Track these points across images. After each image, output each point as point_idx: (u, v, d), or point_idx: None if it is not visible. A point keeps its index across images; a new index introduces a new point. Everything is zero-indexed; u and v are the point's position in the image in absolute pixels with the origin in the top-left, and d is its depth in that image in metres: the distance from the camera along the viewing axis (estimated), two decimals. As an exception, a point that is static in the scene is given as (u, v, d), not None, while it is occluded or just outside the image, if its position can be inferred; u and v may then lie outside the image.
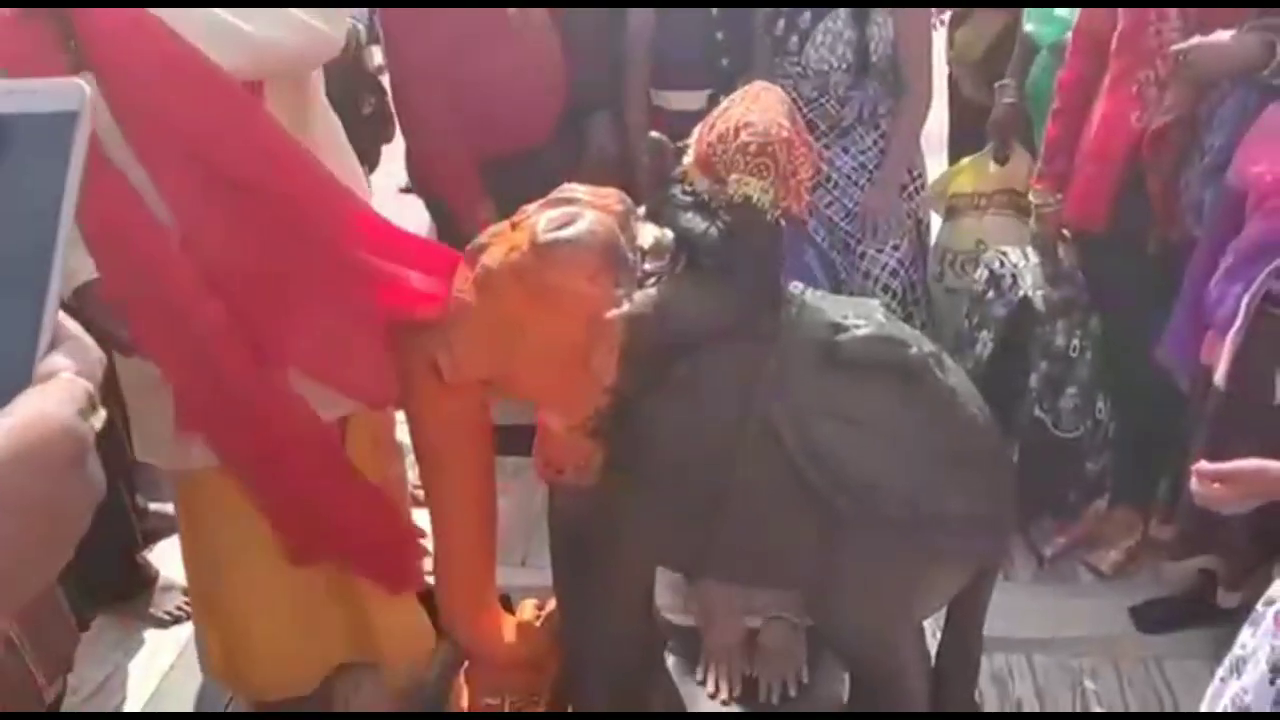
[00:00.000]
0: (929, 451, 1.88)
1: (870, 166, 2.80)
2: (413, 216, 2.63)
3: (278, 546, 2.09)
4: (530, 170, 2.73)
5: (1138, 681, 2.46)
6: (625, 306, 1.80)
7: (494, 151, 2.81)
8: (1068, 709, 2.39)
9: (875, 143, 2.82)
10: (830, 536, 1.88)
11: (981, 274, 2.77)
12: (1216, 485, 1.56)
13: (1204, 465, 1.58)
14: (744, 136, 1.73)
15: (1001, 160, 3.11)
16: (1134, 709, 2.39)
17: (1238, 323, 2.16)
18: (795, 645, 2.49)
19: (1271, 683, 1.61)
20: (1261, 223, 2.15)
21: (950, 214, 3.18)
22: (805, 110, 2.82)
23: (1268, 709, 1.62)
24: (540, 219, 1.84)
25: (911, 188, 2.88)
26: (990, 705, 2.38)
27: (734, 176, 1.74)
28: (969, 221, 3.13)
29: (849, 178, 2.81)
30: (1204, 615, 2.56)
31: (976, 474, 1.91)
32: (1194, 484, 1.58)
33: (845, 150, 2.81)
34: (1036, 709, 2.39)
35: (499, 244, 1.90)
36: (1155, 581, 2.71)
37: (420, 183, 3.04)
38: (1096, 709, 2.39)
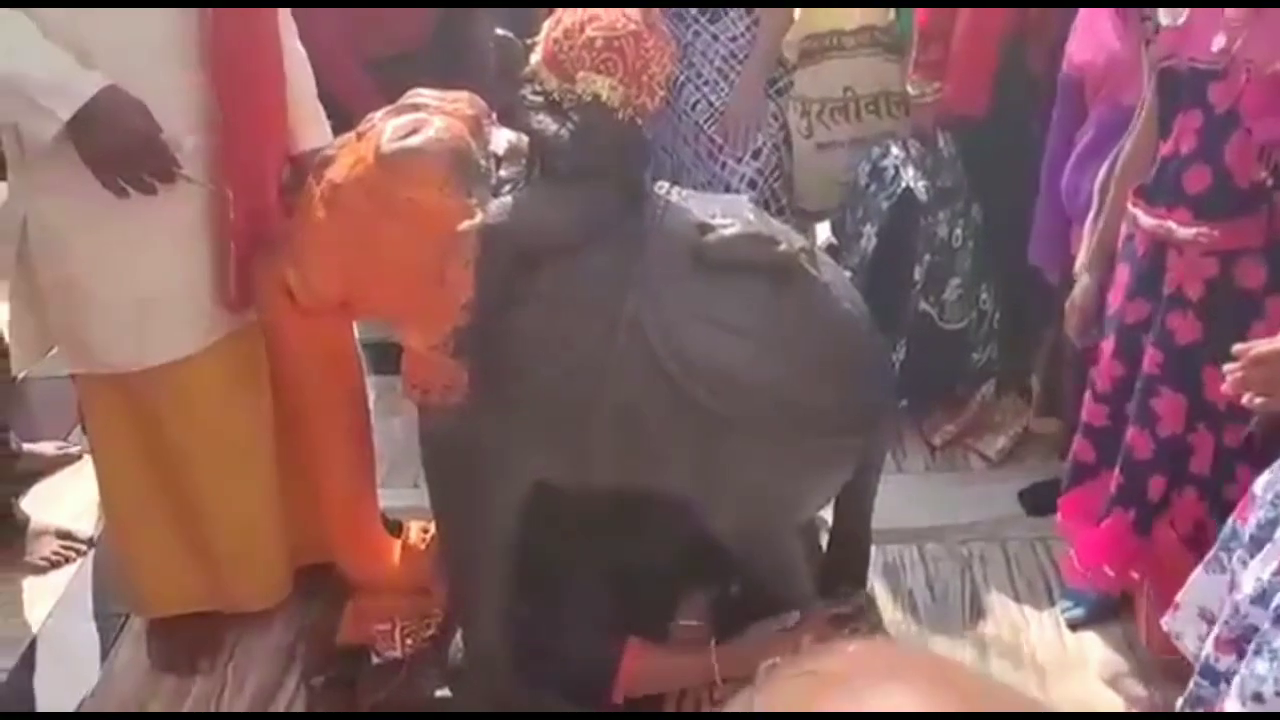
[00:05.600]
0: (802, 351, 1.85)
1: (741, 56, 2.69)
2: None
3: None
4: (408, 75, 2.66)
5: (1025, 563, 2.51)
6: (478, 217, 1.72)
7: (371, 55, 2.70)
8: (958, 595, 2.43)
9: (749, 28, 2.70)
10: (707, 441, 1.85)
11: (864, 167, 2.72)
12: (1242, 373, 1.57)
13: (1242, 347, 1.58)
14: (589, 31, 1.65)
15: None
16: (1022, 591, 2.44)
17: (1093, 209, 2.15)
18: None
19: None
20: (1101, 108, 2.13)
21: (808, 58, 2.85)
22: None
23: None
24: (385, 128, 1.75)
25: (782, 83, 2.79)
26: (882, 597, 2.40)
27: (581, 74, 1.66)
28: (834, 65, 2.84)
29: (719, 70, 2.70)
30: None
31: (851, 371, 1.89)
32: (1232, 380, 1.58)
33: (716, 37, 2.69)
34: (928, 599, 2.43)
35: (345, 156, 1.81)
36: (1043, 465, 2.74)
37: None
38: (985, 594, 2.43)
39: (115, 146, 1.77)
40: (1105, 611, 2.28)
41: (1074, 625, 2.30)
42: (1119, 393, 2.11)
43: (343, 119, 2.19)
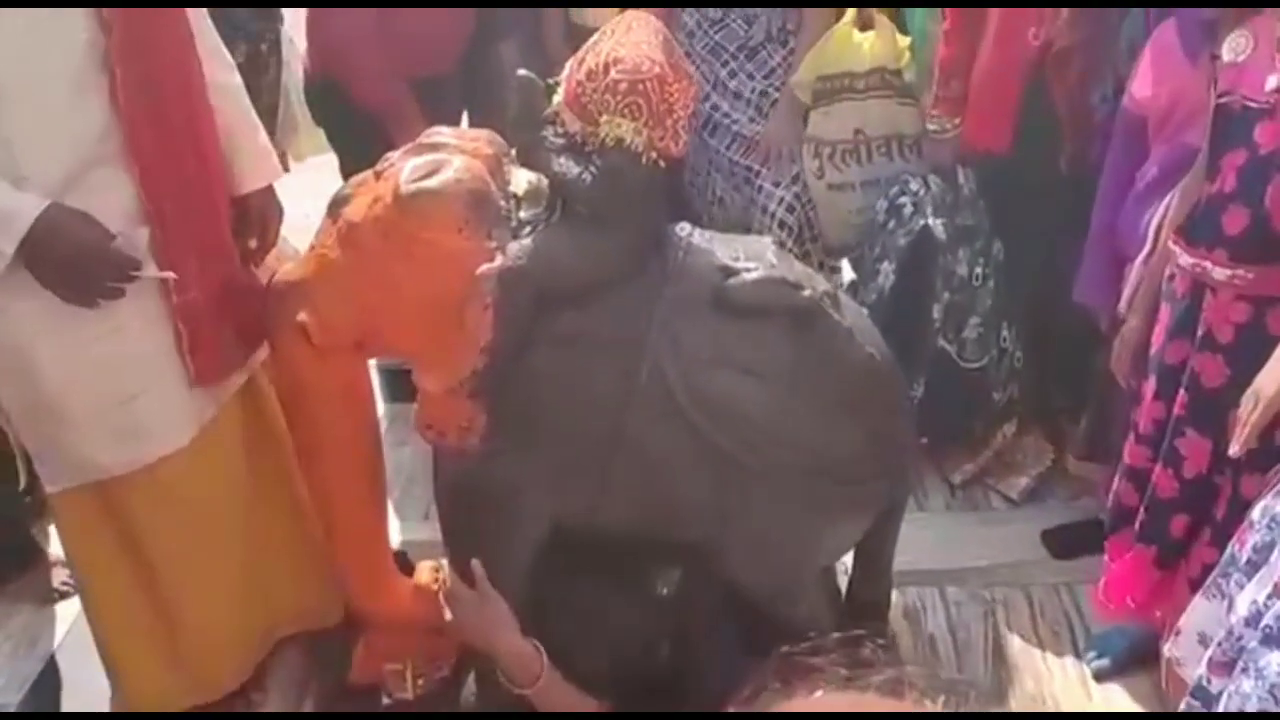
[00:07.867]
0: (825, 396, 1.81)
1: (775, 89, 2.71)
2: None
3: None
4: (437, 98, 2.68)
5: (1049, 608, 2.46)
6: (498, 259, 1.70)
7: (405, 76, 2.70)
8: (980, 641, 2.38)
9: (784, 60, 2.72)
10: (727, 486, 1.82)
11: (881, 204, 2.68)
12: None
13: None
14: (613, 74, 1.63)
15: (863, 26, 2.77)
16: (1045, 637, 2.39)
17: (1145, 249, 2.11)
18: None
19: None
20: (1163, 147, 2.09)
21: (820, 99, 2.77)
22: (712, 32, 2.74)
23: None
24: (404, 168, 1.73)
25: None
26: (904, 641, 2.36)
27: (604, 117, 1.63)
28: (845, 107, 2.76)
29: (755, 106, 2.73)
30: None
31: (874, 416, 1.86)
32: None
33: (751, 76, 2.72)
34: (949, 643, 2.38)
35: (362, 195, 1.79)
36: (1066, 506, 2.70)
37: (334, 107, 2.86)
38: (1007, 641, 2.38)
39: (70, 262, 1.70)
40: (1133, 662, 2.23)
41: (1100, 676, 2.25)
42: (1160, 434, 2.07)
43: (385, 137, 2.20)
